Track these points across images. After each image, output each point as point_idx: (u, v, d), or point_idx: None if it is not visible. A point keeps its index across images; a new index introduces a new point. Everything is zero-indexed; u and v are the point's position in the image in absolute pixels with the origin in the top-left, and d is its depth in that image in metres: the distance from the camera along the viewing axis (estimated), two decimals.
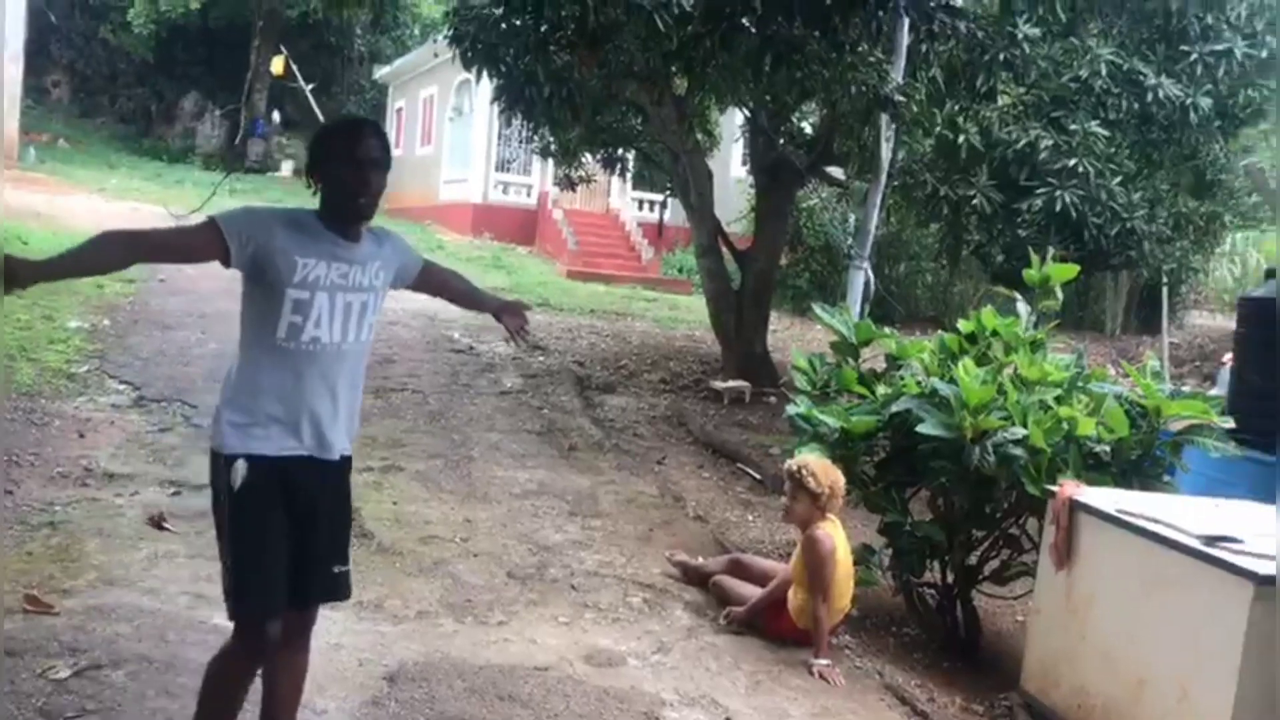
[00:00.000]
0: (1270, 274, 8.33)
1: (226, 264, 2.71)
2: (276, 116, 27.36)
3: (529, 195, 22.14)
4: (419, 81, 25.36)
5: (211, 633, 4.11)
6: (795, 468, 4.82)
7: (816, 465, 4.81)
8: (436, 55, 18.44)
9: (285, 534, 2.83)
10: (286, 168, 26.60)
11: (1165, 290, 14.25)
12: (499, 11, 9.10)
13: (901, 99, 8.65)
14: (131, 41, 26.74)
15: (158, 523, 5.26)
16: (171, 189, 20.80)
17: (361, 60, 29.50)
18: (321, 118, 25.15)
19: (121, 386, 7.85)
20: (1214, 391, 7.92)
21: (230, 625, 2.90)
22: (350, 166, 2.80)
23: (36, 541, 4.83)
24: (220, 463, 2.80)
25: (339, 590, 3.03)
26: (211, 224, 2.69)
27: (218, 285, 11.95)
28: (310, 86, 25.47)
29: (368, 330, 2.95)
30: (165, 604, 4.35)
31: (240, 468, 2.76)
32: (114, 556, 4.78)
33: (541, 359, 11.12)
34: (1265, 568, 3.47)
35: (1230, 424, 4.92)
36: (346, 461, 2.99)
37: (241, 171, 24.62)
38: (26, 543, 4.80)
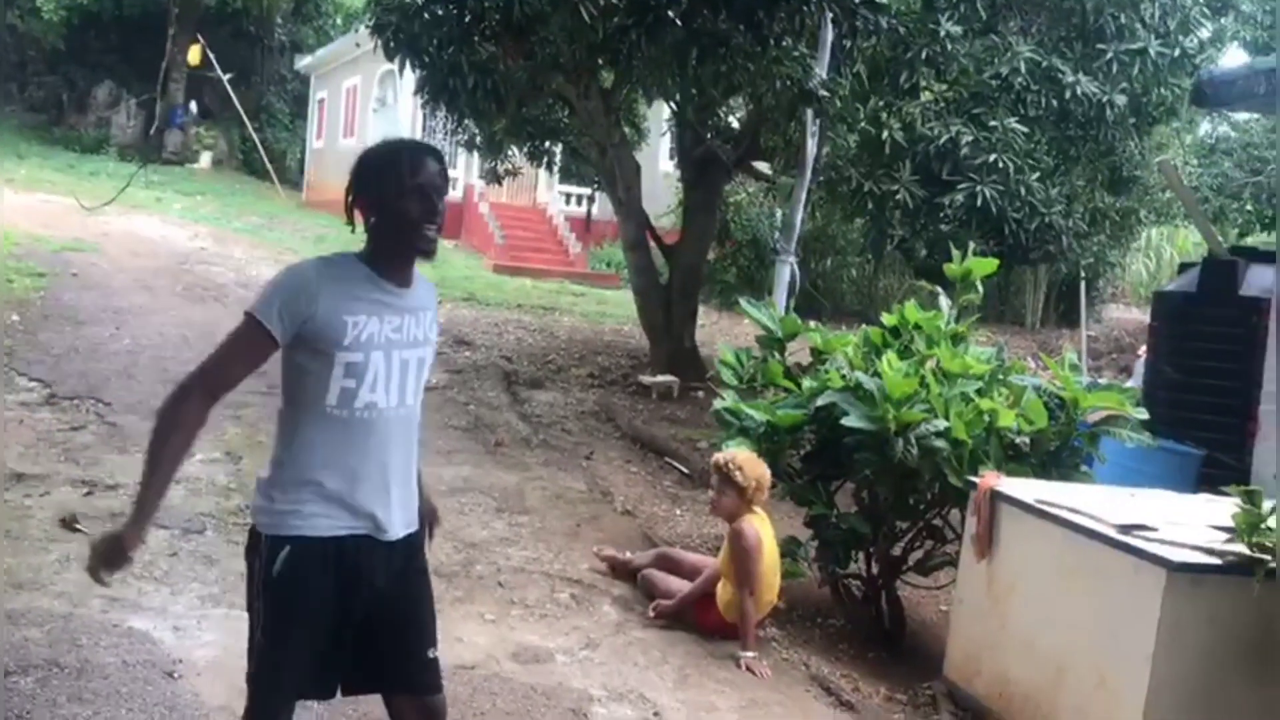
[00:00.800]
0: (1184, 268, 8.57)
1: (277, 348, 2.44)
2: (194, 107, 26.71)
3: (454, 188, 21.94)
4: (342, 72, 24.97)
5: (125, 637, 4.02)
6: (722, 461, 4.83)
7: (743, 459, 4.83)
8: (359, 45, 18.15)
9: (325, 625, 2.52)
10: (205, 159, 26.00)
11: (1083, 284, 14.58)
12: (421, 1, 8.99)
13: (826, 94, 8.72)
14: (41, 28, 25.88)
15: (70, 524, 5.10)
16: (85, 180, 20.26)
17: (282, 50, 28.90)
18: (240, 108, 24.65)
19: (32, 384, 7.60)
20: (1130, 383, 8.12)
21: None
22: (414, 196, 2.45)
23: None
24: (260, 543, 2.50)
25: (438, 678, 2.71)
26: (251, 322, 2.41)
27: (130, 279, 11.69)
28: (228, 76, 24.88)
29: (422, 390, 2.62)
30: (77, 608, 4.22)
31: (283, 554, 2.47)
32: (23, 559, 4.63)
33: (468, 354, 11.01)
34: (1179, 555, 3.56)
35: (1145, 415, 5.04)
36: (415, 539, 2.67)
37: (158, 163, 24.01)
38: None
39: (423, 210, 2.46)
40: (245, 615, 2.59)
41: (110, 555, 2.39)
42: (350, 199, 2.53)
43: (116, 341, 9.08)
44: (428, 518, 2.86)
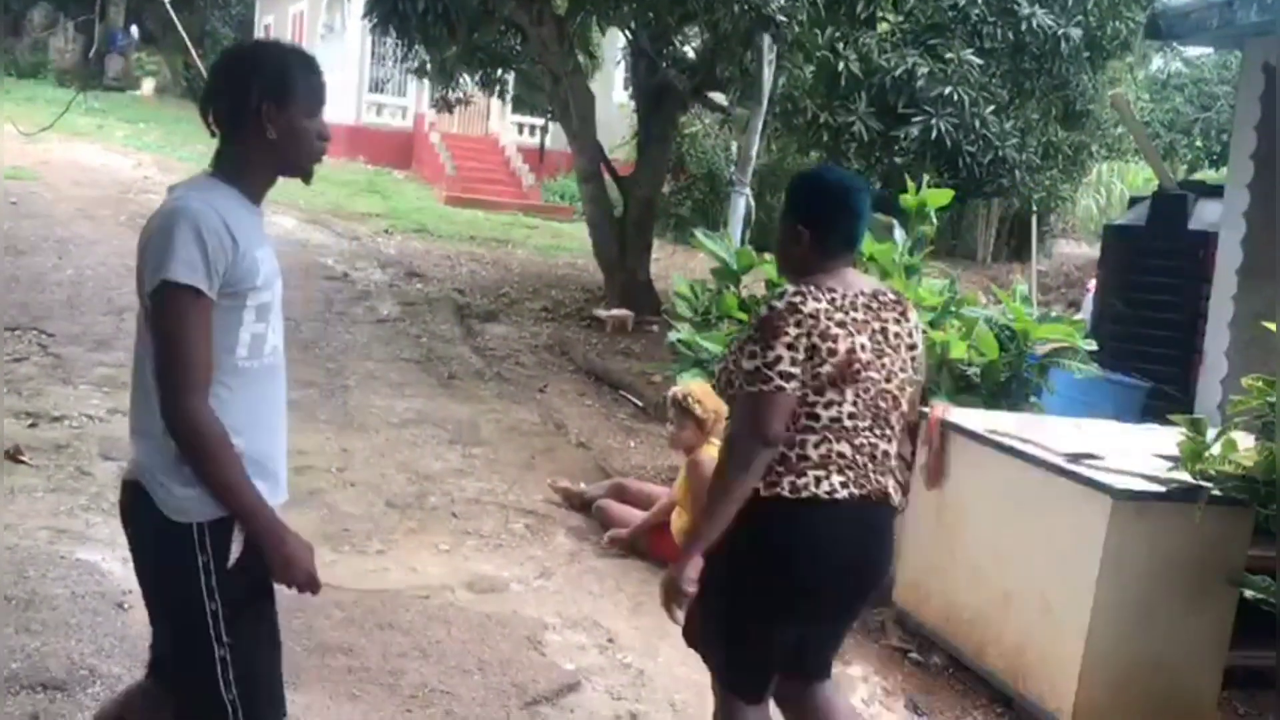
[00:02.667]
0: (1134, 203, 8.64)
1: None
2: (135, 31, 25.91)
3: (404, 117, 21.56)
4: None
5: (74, 568, 3.98)
6: (680, 395, 4.84)
7: (700, 391, 4.83)
8: None
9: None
10: (148, 86, 25.30)
11: (1034, 219, 14.69)
12: None
13: (783, 19, 8.61)
14: None
15: (14, 456, 5.02)
16: (21, 106, 19.62)
17: None
18: (184, 33, 23.96)
19: None
20: (1079, 316, 8.21)
21: None
22: (319, 110, 2.14)
23: None
24: (193, 535, 2.08)
25: None
26: (189, 294, 1.99)
27: (72, 208, 11.41)
28: None
29: None
30: (24, 539, 4.17)
31: (235, 535, 2.10)
32: None
33: (420, 286, 10.91)
34: (1123, 483, 3.62)
35: (1093, 346, 5.10)
36: None
37: (99, 89, 23.32)
38: None
39: (322, 125, 2.17)
40: None
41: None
42: (223, 104, 2.11)
43: (59, 272, 8.90)
44: None
